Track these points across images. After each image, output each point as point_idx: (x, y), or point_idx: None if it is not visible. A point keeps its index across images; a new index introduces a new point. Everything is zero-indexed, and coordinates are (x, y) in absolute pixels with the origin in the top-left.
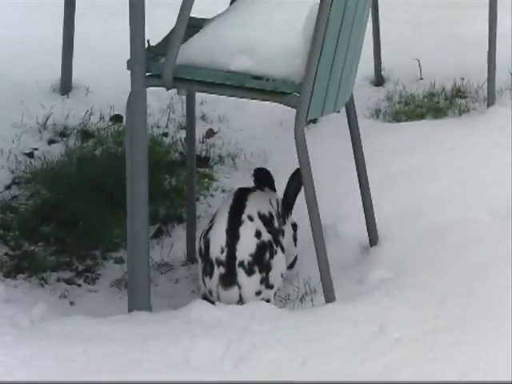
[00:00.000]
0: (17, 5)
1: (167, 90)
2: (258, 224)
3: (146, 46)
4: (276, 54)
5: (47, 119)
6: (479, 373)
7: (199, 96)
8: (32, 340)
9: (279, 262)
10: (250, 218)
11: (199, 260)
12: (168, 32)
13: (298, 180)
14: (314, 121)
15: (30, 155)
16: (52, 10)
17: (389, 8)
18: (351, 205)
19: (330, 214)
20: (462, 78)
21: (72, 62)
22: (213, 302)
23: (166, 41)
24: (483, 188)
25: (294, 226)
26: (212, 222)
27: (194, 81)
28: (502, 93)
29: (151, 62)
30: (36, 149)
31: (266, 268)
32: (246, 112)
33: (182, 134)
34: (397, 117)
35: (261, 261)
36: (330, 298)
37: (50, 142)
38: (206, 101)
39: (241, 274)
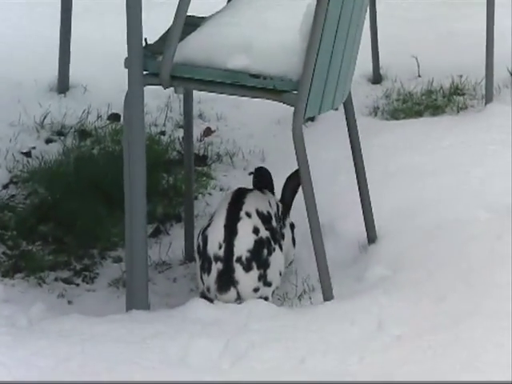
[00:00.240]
0: (14, 4)
1: (164, 88)
2: (256, 221)
3: (144, 44)
4: (273, 52)
5: (45, 118)
6: (478, 370)
7: (197, 94)
8: (30, 339)
9: (277, 260)
10: (248, 215)
11: (197, 257)
12: (165, 30)
13: (295, 181)
14: (312, 119)
15: (28, 154)
16: (49, 9)
17: (387, 5)
18: (349, 203)
19: (329, 211)
20: (460, 76)
21: (69, 60)
22: (211, 300)
23: (164, 39)
24: (481, 185)
25: (292, 227)
26: (211, 219)
27: (191, 79)
28: (499, 90)
29: (148, 61)
30: (33, 148)
31: (263, 265)
32: (244, 110)
33: (180, 132)
34: (395, 114)
35: (258, 257)
36: (328, 296)
37: (48, 141)
38: (203, 99)
39: (238, 270)
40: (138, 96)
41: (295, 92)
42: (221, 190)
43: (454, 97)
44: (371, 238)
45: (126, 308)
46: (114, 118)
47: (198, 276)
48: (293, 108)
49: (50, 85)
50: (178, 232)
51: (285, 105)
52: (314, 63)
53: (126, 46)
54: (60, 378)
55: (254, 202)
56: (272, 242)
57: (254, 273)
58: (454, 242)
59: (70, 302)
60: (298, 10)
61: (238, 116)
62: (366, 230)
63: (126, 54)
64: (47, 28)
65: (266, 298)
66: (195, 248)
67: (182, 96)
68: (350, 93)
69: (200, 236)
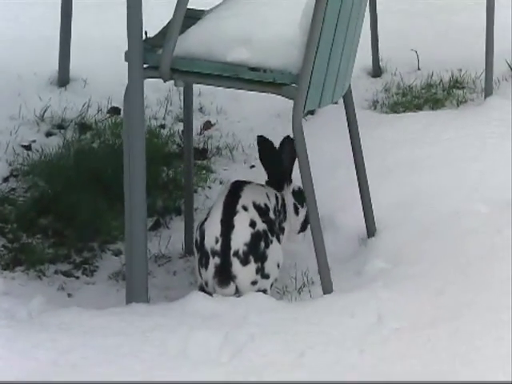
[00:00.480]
0: None
1: (164, 81)
2: (253, 214)
3: (144, 37)
4: (273, 45)
5: (45, 111)
6: (478, 363)
7: (196, 88)
8: (30, 332)
9: (275, 252)
10: (245, 208)
11: (195, 251)
12: (165, 24)
13: (289, 146)
14: (312, 112)
15: (28, 148)
16: (49, 2)
17: None
18: (349, 196)
19: (328, 205)
20: (460, 69)
21: (69, 54)
22: (210, 294)
23: (164, 32)
24: (481, 179)
25: (298, 192)
26: (208, 213)
27: (191, 72)
28: (499, 83)
29: (148, 54)
30: (34, 141)
31: (261, 258)
32: (244, 104)
33: (180, 126)
34: (394, 108)
35: (256, 250)
36: (327, 289)
37: (48, 134)
38: (203, 93)
39: (236, 263)
40: (137, 89)
41: (295, 85)
42: (220, 183)
43: (454, 90)
44: (370, 231)
45: (125, 301)
46: (114, 111)
47: (196, 270)
48: (292, 101)
49: (50, 78)
50: (177, 225)
51: (284, 98)
52: (313, 56)
53: (126, 39)
54: (60, 371)
55: (250, 195)
56: (269, 235)
57: (252, 266)
58: (453, 236)
59: (69, 295)
60: (298, 3)
61: (238, 109)
62: (366, 223)
63: (126, 48)
64: (47, 21)
65: (264, 291)
66: (194, 242)
67: (181, 89)
68: (349, 86)
69: (197, 230)
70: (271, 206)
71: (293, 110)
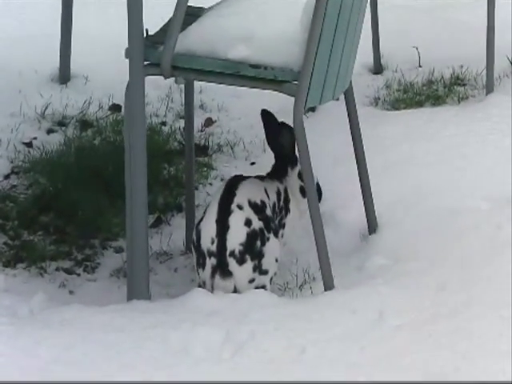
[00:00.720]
0: None
1: (165, 78)
2: (248, 212)
3: (145, 34)
4: (274, 43)
5: (46, 109)
6: (478, 359)
7: (197, 85)
8: (31, 329)
9: (273, 248)
10: (240, 207)
11: (193, 251)
12: (166, 21)
13: (287, 128)
14: (313, 109)
15: (29, 145)
16: None
17: None
18: (350, 193)
19: (329, 201)
20: (461, 66)
21: (70, 51)
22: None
23: (165, 30)
24: (482, 175)
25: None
26: (204, 212)
27: (192, 69)
28: (500, 80)
29: (149, 51)
30: (35, 138)
31: (257, 256)
32: (245, 101)
33: (181, 123)
34: (396, 105)
35: (252, 249)
36: (329, 285)
37: (49, 131)
38: (204, 90)
39: (232, 263)
40: (138, 86)
41: (296, 82)
42: (221, 180)
43: (455, 87)
44: (372, 227)
45: (127, 298)
46: (115, 108)
47: (195, 270)
48: (293, 98)
49: (51, 75)
50: (178, 222)
51: (286, 95)
52: (314, 53)
53: (127, 36)
54: (61, 368)
55: (246, 193)
56: (266, 232)
57: (248, 265)
58: (453, 232)
59: (71, 292)
60: (299, 0)
61: (239, 106)
62: (367, 219)
63: (127, 45)
64: (48, 18)
65: (263, 286)
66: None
67: (182, 86)
68: (350, 83)
69: (195, 230)
70: (269, 202)
71: (294, 106)
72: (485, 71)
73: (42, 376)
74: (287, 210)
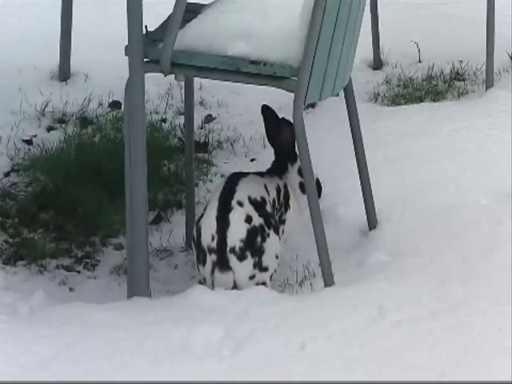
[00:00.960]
0: None
1: (165, 75)
2: (249, 209)
3: (144, 31)
4: (274, 39)
5: (46, 106)
6: (479, 355)
7: (197, 81)
8: (32, 327)
9: (273, 244)
10: (240, 204)
11: (193, 248)
12: (166, 18)
13: (286, 124)
14: (313, 105)
15: (29, 142)
16: None
17: None
18: (350, 189)
19: (329, 197)
20: (461, 61)
21: (70, 48)
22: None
23: (164, 26)
24: (482, 170)
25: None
26: (204, 209)
27: (191, 66)
28: (500, 75)
29: (149, 48)
30: (35, 136)
31: (258, 252)
32: (245, 97)
33: (181, 119)
34: (395, 100)
35: (252, 245)
36: (329, 282)
37: (49, 128)
38: (204, 86)
39: (233, 259)
40: (138, 83)
41: (295, 78)
42: (222, 176)
43: (455, 82)
44: (372, 223)
45: (127, 295)
46: (115, 105)
47: (195, 266)
48: (293, 94)
49: (51, 73)
50: (178, 219)
51: (286, 91)
52: (314, 49)
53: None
54: (62, 366)
55: (246, 189)
56: (266, 228)
57: (249, 261)
58: (454, 227)
59: (71, 290)
60: None
61: (239, 103)
62: (367, 215)
63: (127, 42)
64: (48, 16)
65: (263, 283)
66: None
67: (182, 83)
68: (350, 79)
69: (195, 227)
70: (269, 198)
71: (293, 103)
72: (484, 66)
73: (42, 374)
74: (287, 207)
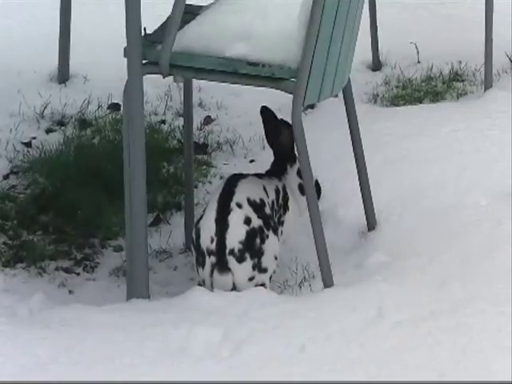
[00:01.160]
0: None
1: (164, 77)
2: (248, 211)
3: (143, 33)
4: (272, 40)
5: (45, 108)
6: (478, 355)
7: (197, 83)
8: (31, 329)
9: (272, 246)
10: (239, 206)
11: (193, 250)
12: (164, 19)
13: (285, 126)
14: (312, 106)
15: (28, 144)
16: None
17: None
18: (349, 190)
19: (328, 198)
20: (460, 62)
21: (69, 50)
22: None
23: (163, 28)
24: (481, 171)
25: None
26: (204, 211)
27: (190, 68)
28: (499, 76)
29: (148, 50)
30: (34, 138)
31: (257, 253)
32: (244, 98)
33: (180, 121)
34: (394, 101)
35: (251, 247)
36: (328, 283)
37: (48, 130)
38: (203, 88)
39: (232, 261)
40: (137, 85)
41: (294, 79)
42: (221, 178)
43: (454, 83)
44: (371, 224)
45: (126, 297)
46: (115, 107)
47: (195, 268)
48: (292, 95)
49: (50, 75)
50: (178, 221)
51: (284, 92)
52: (312, 50)
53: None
54: (61, 368)
55: (245, 191)
56: (265, 230)
57: (248, 263)
58: (453, 228)
59: (70, 292)
60: None
61: (238, 104)
62: (366, 216)
63: (125, 44)
64: (47, 18)
65: (262, 284)
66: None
67: (181, 85)
68: (349, 80)
69: (194, 229)
70: (268, 200)
71: (292, 104)
72: (483, 67)
73: (42, 376)
74: (286, 208)
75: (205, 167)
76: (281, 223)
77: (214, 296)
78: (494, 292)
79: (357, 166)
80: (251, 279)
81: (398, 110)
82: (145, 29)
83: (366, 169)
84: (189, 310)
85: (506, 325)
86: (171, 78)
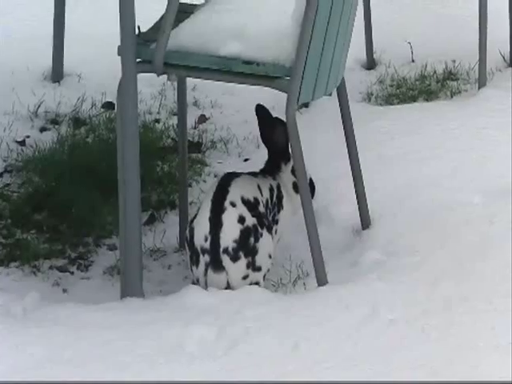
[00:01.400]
0: None
1: (158, 75)
2: (242, 209)
3: (137, 32)
4: (266, 38)
5: (39, 107)
6: (472, 353)
7: (191, 82)
8: (25, 328)
9: (266, 244)
10: (233, 204)
11: (187, 248)
12: (158, 18)
13: (277, 123)
14: (306, 105)
15: (22, 143)
16: None
17: None
18: (343, 188)
19: (323, 197)
20: (454, 60)
21: (63, 48)
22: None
23: (157, 27)
24: (475, 169)
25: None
26: (198, 210)
27: (184, 66)
28: (493, 74)
29: (142, 48)
30: (28, 136)
31: (251, 252)
32: (238, 97)
33: (174, 120)
34: (389, 100)
35: (246, 246)
36: (322, 281)
37: (42, 129)
38: (197, 87)
39: (226, 260)
40: (131, 83)
41: (288, 78)
42: (215, 176)
43: (448, 82)
44: (365, 223)
45: (120, 295)
46: (109, 106)
47: (189, 267)
48: (286, 94)
49: (44, 73)
50: (172, 219)
51: (278, 91)
52: (306, 49)
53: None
54: (55, 367)
55: (239, 190)
56: (259, 228)
57: (242, 261)
58: (447, 226)
59: (64, 291)
60: None
61: (233, 103)
62: (360, 215)
63: (119, 42)
64: (41, 17)
65: (256, 283)
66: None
67: (175, 83)
68: (343, 78)
69: (188, 228)
70: (262, 198)
71: (286, 102)
72: (477, 66)
73: (36, 375)
74: (280, 206)
75: (199, 166)
76: (275, 222)
77: (208, 294)
78: (487, 290)
79: (351, 165)
80: (245, 278)
81: (392, 108)
82: (139, 27)
83: (359, 167)
84: (183, 309)
85: (499, 323)
86: (165, 76)
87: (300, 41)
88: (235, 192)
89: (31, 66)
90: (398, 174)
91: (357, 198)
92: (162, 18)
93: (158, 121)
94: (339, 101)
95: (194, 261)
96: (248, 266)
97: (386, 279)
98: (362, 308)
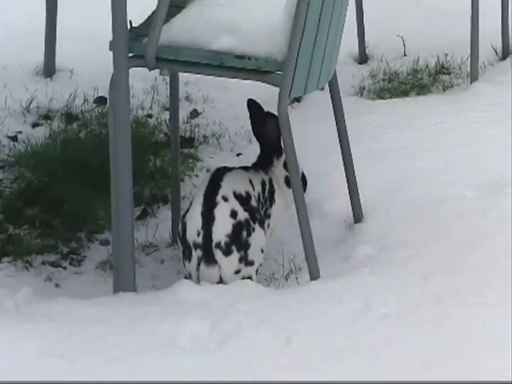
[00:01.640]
0: None
1: (150, 70)
2: (234, 204)
3: (129, 26)
4: (258, 32)
5: (31, 102)
6: (464, 347)
7: (183, 76)
8: (17, 323)
9: (258, 238)
10: (225, 199)
11: (179, 243)
12: (150, 13)
13: (268, 118)
14: (299, 99)
15: (14, 138)
16: None
17: None
18: (336, 182)
19: (315, 191)
20: (446, 54)
21: (55, 44)
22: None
23: (149, 21)
24: (467, 163)
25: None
26: (190, 205)
27: (176, 61)
28: (485, 68)
29: (133, 43)
30: (20, 132)
31: (243, 246)
32: (231, 92)
33: (167, 115)
34: (381, 94)
35: (238, 240)
36: (314, 275)
37: (34, 125)
38: (190, 81)
39: (218, 254)
40: (123, 78)
41: (280, 72)
42: (207, 171)
43: (440, 76)
44: (357, 217)
45: (113, 290)
46: (101, 101)
47: (181, 262)
48: (278, 88)
49: (36, 68)
50: (164, 214)
51: (270, 85)
52: (298, 43)
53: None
54: (47, 362)
55: (231, 184)
56: (251, 222)
57: (235, 256)
58: (439, 220)
59: (57, 286)
60: None
61: (225, 98)
62: (352, 209)
63: (111, 37)
64: (33, 11)
65: (249, 277)
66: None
67: (168, 78)
68: (335, 72)
69: (180, 222)
70: (254, 193)
71: (278, 96)
72: (469, 60)
73: (28, 370)
74: (272, 201)
75: (191, 161)
76: (267, 216)
77: (200, 289)
78: (479, 284)
79: (343, 159)
80: (238, 272)
81: (384, 102)
82: (131, 22)
83: (352, 161)
84: (176, 303)
85: (491, 316)
86: (157, 71)
87: (292, 35)
88: (227, 186)
89: (23, 62)
90: (390, 168)
91: (349, 192)
92: (153, 12)
93: (150, 116)
94: (331, 95)
95: (187, 255)
96: (240, 261)
97: (378, 273)
98: (354, 302)
